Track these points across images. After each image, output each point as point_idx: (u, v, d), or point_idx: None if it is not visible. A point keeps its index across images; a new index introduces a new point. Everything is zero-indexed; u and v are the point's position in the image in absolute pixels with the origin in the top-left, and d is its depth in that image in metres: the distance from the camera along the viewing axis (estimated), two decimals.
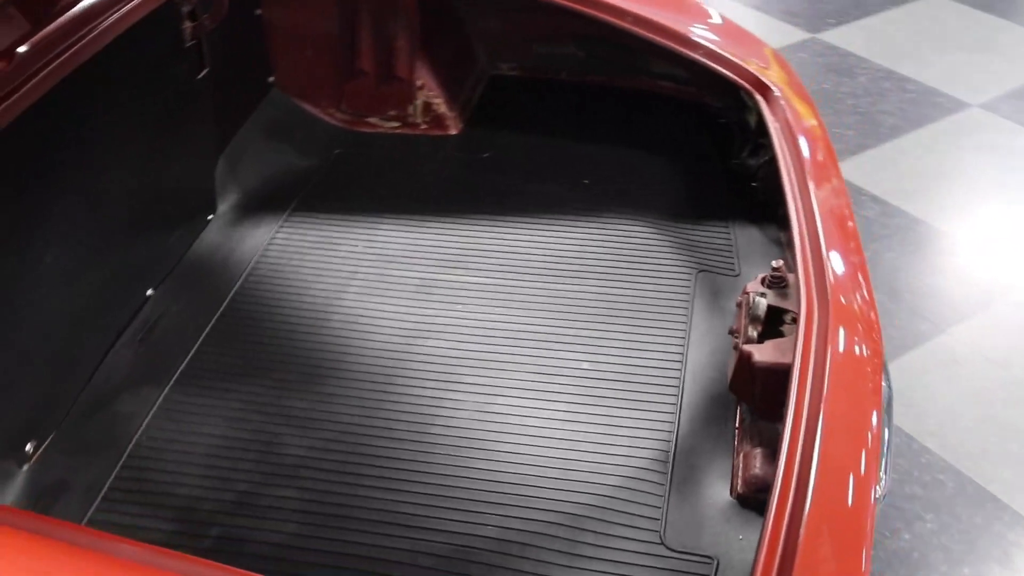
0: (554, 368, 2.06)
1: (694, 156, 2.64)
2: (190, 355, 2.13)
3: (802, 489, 1.44)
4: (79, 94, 2.03)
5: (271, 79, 2.83)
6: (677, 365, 2.05)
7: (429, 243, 2.41)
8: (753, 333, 1.84)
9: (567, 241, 2.40)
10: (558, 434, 1.92)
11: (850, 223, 2.03)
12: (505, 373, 2.05)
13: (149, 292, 2.28)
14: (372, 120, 2.84)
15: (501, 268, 2.33)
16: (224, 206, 2.55)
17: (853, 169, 3.88)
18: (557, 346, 2.11)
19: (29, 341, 1.95)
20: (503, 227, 2.45)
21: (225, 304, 2.25)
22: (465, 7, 2.84)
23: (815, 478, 1.47)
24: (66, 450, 1.94)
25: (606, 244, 2.38)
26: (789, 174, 2.06)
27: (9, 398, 1.90)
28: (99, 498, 1.85)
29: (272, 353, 2.13)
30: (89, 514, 1.82)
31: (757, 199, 2.42)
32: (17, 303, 1.91)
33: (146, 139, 2.31)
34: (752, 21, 5.05)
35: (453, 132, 2.82)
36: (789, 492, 1.43)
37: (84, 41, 1.99)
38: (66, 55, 1.95)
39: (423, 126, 2.82)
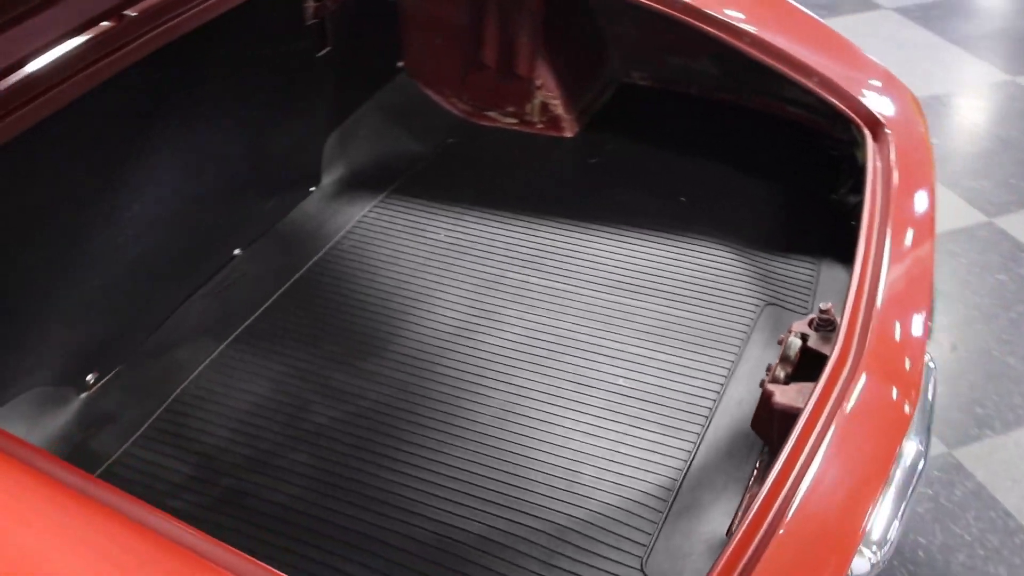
0: (589, 379, 2.04)
1: (801, 186, 2.54)
2: (254, 316, 2.23)
3: (767, 538, 1.38)
4: (193, 57, 2.16)
5: (400, 64, 2.91)
6: (713, 395, 1.99)
7: (507, 240, 2.43)
8: (781, 373, 1.77)
9: (643, 255, 2.36)
10: (573, 444, 1.91)
11: (926, 281, 1.92)
12: (540, 377, 2.05)
13: (236, 252, 2.40)
14: (491, 114, 2.88)
15: (569, 273, 2.32)
16: (328, 179, 2.65)
17: (1019, 223, 3.63)
18: (599, 358, 2.09)
19: (109, 280, 2.10)
20: (585, 233, 2.44)
21: (299, 274, 2.34)
22: (602, 13, 2.83)
23: (787, 527, 1.41)
24: (122, 386, 2.08)
25: (681, 263, 2.33)
26: (871, 217, 1.97)
27: (81, 329, 2.06)
28: (137, 434, 1.97)
29: (328, 325, 2.20)
30: (124, 447, 1.94)
31: (852, 239, 2.31)
32: (101, 243, 2.06)
33: (259, 107, 2.43)
34: (949, 57, 4.79)
35: (568, 135, 2.82)
36: (754, 537, 1.38)
37: (199, 8, 2.11)
38: (179, 19, 2.08)
39: (539, 125, 2.84)
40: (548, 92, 2.79)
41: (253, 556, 1.64)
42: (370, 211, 2.55)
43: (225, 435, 1.96)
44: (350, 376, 2.07)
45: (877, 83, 2.35)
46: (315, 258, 2.39)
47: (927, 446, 1.82)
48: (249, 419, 1.99)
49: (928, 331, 1.95)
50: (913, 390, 1.71)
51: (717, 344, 2.11)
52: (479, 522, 1.77)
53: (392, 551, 1.72)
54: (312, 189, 2.62)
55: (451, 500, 1.81)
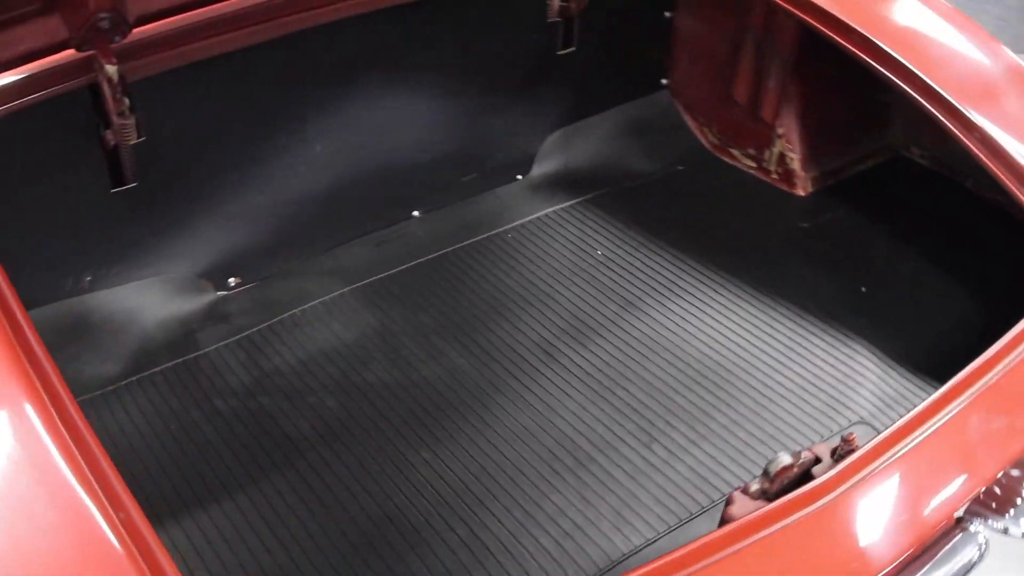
0: (626, 431, 1.98)
1: (999, 311, 2.19)
2: (386, 274, 2.39)
3: None
4: (422, 23, 2.35)
5: (664, 81, 2.89)
6: (726, 490, 1.84)
7: (653, 278, 2.37)
8: (754, 486, 1.62)
9: (773, 335, 2.20)
10: (560, 483, 1.88)
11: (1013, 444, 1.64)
12: (582, 412, 2.03)
13: (415, 213, 2.58)
14: (734, 152, 2.77)
15: (688, 329, 2.23)
16: (538, 171, 2.73)
17: None
18: (653, 416, 2.02)
19: (277, 204, 2.38)
20: (735, 295, 2.31)
21: (449, 249, 2.46)
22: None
23: None
24: (252, 297, 2.35)
25: (806, 355, 2.14)
26: (1003, 348, 1.71)
27: (240, 239, 2.36)
28: (233, 339, 2.23)
29: (437, 300, 2.31)
30: (217, 345, 2.21)
31: None
32: (277, 170, 2.34)
33: (482, 87, 2.57)
34: None
35: (800, 192, 2.64)
36: None
37: None
38: None
39: (774, 175, 2.69)
40: (788, 143, 2.63)
41: (234, 466, 1.84)
42: (556, 211, 2.59)
43: (291, 362, 2.16)
44: (418, 348, 2.17)
45: None
46: (474, 239, 2.49)
47: None
48: (318, 356, 2.17)
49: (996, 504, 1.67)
50: (894, 553, 1.50)
51: (775, 444, 1.94)
52: (419, 514, 1.82)
53: (335, 508, 1.83)
54: (519, 177, 2.71)
55: (414, 486, 1.87)
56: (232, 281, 2.37)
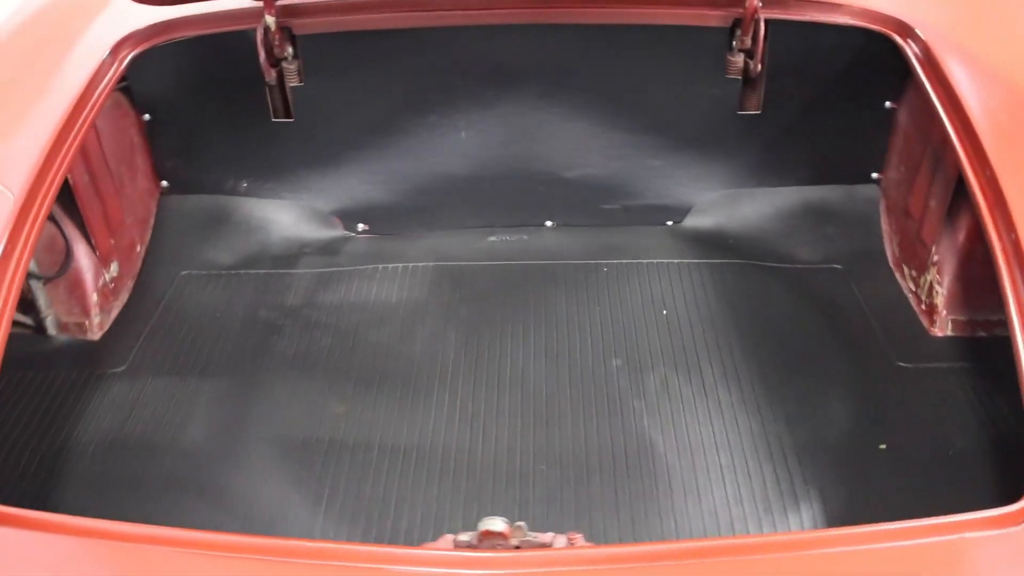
0: (515, 464, 2.01)
1: None
2: (473, 263, 2.56)
3: None
4: (589, 42, 2.48)
5: (875, 176, 2.65)
6: None
7: (683, 355, 2.27)
8: (464, 537, 1.66)
9: (736, 452, 2.02)
10: (413, 481, 1.97)
11: None
12: (494, 435, 2.07)
13: (548, 223, 2.70)
14: (905, 268, 2.49)
15: (661, 409, 2.13)
16: (690, 222, 2.68)
17: None
18: (551, 462, 2.01)
19: (424, 177, 2.68)
20: (735, 401, 2.14)
21: (543, 263, 2.55)
22: None
23: None
24: (366, 246, 2.68)
25: (753, 481, 1.96)
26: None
27: (382, 195, 2.70)
28: (318, 270, 2.57)
29: (484, 305, 2.43)
30: (306, 271, 2.57)
31: None
32: (428, 146, 2.64)
33: (651, 126, 2.62)
34: None
35: (936, 332, 2.30)
36: None
37: (634, 9, 2.44)
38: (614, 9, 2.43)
39: (923, 306, 2.38)
40: (938, 274, 2.31)
41: (221, 359, 2.26)
42: (671, 263, 2.54)
43: (333, 303, 2.45)
44: (431, 330, 2.34)
45: None
46: (568, 262, 2.55)
47: None
48: (355, 306, 2.44)
49: None
50: None
51: (627, 538, 1.86)
52: (287, 449, 2.03)
53: (247, 421, 2.10)
54: (669, 223, 2.69)
55: (305, 429, 2.08)
56: (361, 227, 2.70)
